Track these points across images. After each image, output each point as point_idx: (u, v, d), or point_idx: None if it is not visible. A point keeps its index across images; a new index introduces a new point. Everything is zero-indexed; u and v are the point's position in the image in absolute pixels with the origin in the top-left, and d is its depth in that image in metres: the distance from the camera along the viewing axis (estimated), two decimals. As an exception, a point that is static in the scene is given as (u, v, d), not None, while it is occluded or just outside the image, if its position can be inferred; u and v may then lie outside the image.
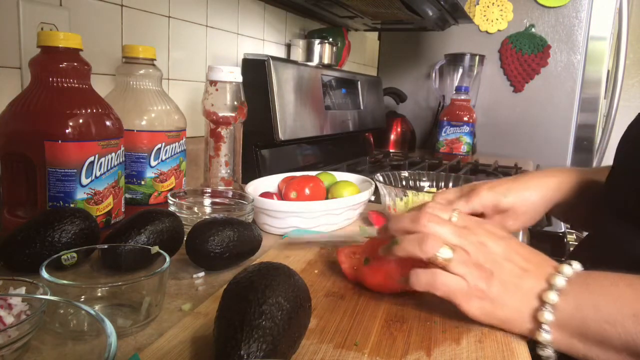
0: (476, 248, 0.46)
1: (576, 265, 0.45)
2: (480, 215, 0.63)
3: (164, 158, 0.76)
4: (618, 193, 0.54)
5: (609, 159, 0.69)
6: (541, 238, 1.07)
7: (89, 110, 0.61)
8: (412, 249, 0.47)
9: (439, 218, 0.48)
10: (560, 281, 0.43)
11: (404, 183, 0.91)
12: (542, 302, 0.43)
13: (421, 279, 0.47)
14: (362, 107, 1.58)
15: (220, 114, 0.85)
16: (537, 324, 0.43)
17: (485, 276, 0.45)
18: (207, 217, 0.64)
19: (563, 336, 0.42)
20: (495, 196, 0.62)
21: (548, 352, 0.43)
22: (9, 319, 0.36)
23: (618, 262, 0.44)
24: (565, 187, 0.64)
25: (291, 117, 1.15)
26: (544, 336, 0.43)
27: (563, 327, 0.42)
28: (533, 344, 0.45)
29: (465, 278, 0.45)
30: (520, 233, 0.83)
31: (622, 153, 0.56)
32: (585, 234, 0.68)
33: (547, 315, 0.43)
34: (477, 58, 1.88)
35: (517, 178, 0.65)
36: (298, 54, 1.42)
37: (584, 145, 1.85)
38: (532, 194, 0.63)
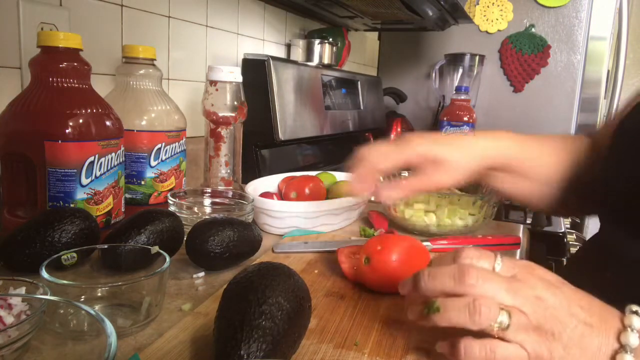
0: (534, 306, 0.38)
1: None
2: (414, 167, 0.59)
3: (164, 158, 0.76)
4: (617, 197, 0.54)
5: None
6: (541, 238, 1.07)
7: (89, 110, 0.61)
8: (462, 320, 0.38)
9: (486, 273, 0.39)
10: (633, 340, 0.37)
11: (404, 183, 0.91)
12: None
13: (475, 353, 0.38)
14: (362, 107, 1.58)
15: (220, 114, 0.85)
16: None
17: (546, 339, 0.38)
18: (207, 217, 0.64)
19: None
20: (427, 144, 0.59)
21: None
22: (9, 319, 0.36)
23: (617, 266, 0.43)
24: (502, 153, 0.61)
25: (291, 117, 1.15)
26: None
27: None
28: None
29: (524, 346, 0.38)
30: (521, 234, 0.83)
31: (621, 150, 0.54)
32: (589, 236, 0.67)
33: None
34: (477, 58, 1.87)
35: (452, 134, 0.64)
36: (298, 54, 1.42)
37: (584, 145, 1.85)
38: (464, 148, 0.60)
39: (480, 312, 0.37)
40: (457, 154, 0.59)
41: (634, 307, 0.39)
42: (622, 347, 0.38)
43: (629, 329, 0.38)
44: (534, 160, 0.64)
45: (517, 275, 0.40)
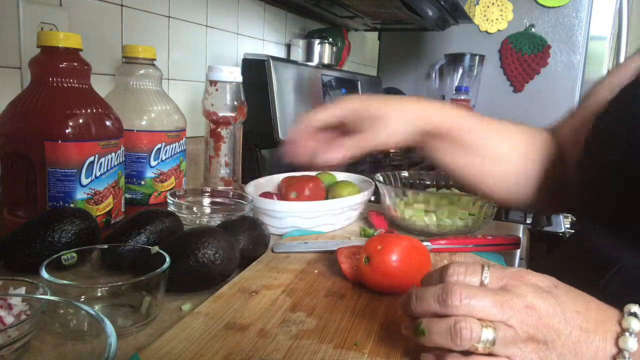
0: (524, 316, 0.37)
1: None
2: (344, 126, 0.58)
3: (164, 158, 0.76)
4: (595, 199, 0.52)
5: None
6: (540, 237, 1.06)
7: (89, 110, 0.61)
8: (445, 343, 0.37)
9: (470, 290, 0.38)
10: (632, 344, 0.36)
11: (404, 183, 0.91)
12: None
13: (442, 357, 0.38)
14: (362, 107, 1.58)
15: (220, 114, 0.85)
16: None
17: (539, 349, 0.37)
18: (207, 220, 0.64)
19: None
20: (360, 100, 0.58)
21: None
22: (9, 319, 0.36)
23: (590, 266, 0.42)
24: (444, 119, 0.59)
25: (291, 117, 1.15)
26: None
27: None
28: None
29: (510, 358, 0.37)
30: (521, 234, 0.83)
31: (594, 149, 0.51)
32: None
33: None
34: (477, 58, 1.87)
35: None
36: (298, 54, 1.42)
37: (584, 145, 1.85)
38: (403, 108, 0.58)
39: (461, 336, 0.36)
40: (394, 112, 0.57)
41: (633, 308, 0.38)
42: (621, 352, 0.37)
43: (627, 333, 0.37)
44: (480, 133, 0.61)
45: (506, 286, 0.39)
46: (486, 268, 0.40)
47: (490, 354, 0.37)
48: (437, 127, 0.59)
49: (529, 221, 1.09)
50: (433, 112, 0.59)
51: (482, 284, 0.39)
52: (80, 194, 0.61)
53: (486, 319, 0.37)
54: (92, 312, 0.34)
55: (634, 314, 0.38)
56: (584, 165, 0.53)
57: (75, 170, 0.60)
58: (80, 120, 0.60)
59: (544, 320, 0.37)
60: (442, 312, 0.38)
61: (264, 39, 1.35)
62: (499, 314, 0.37)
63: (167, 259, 0.48)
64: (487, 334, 0.36)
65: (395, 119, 0.57)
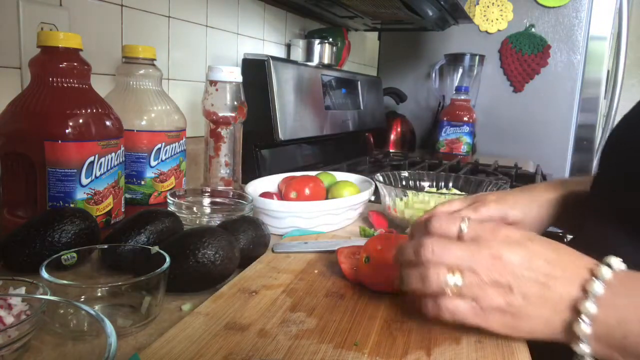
0: (489, 265, 0.42)
1: (616, 264, 0.40)
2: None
3: (164, 158, 0.76)
4: (602, 197, 0.54)
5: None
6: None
7: (89, 110, 0.61)
8: (419, 287, 0.44)
9: (440, 244, 0.43)
10: (598, 288, 0.39)
11: (404, 183, 0.91)
12: (578, 313, 0.39)
13: (428, 309, 0.44)
14: (362, 107, 1.58)
15: (220, 114, 0.85)
16: (573, 335, 0.40)
17: (503, 293, 0.41)
18: (208, 221, 0.64)
19: (601, 347, 0.39)
20: (502, 208, 0.61)
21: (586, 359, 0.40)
22: (9, 319, 0.36)
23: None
24: (564, 202, 0.63)
25: (291, 117, 1.15)
26: (582, 348, 0.39)
27: (601, 339, 0.39)
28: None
29: (478, 300, 0.42)
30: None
31: (606, 158, 0.55)
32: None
33: (584, 328, 0.39)
34: (477, 58, 1.87)
35: (523, 191, 0.65)
36: (298, 54, 1.42)
37: (584, 145, 1.85)
38: (539, 210, 0.62)
39: (429, 281, 0.43)
40: (533, 218, 0.62)
41: (611, 260, 0.41)
42: (586, 295, 0.39)
43: (594, 279, 0.39)
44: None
45: (479, 238, 0.44)
46: (467, 219, 0.45)
47: (459, 296, 0.42)
48: (558, 217, 0.63)
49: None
50: (555, 208, 0.63)
51: (459, 234, 0.45)
52: (80, 194, 0.61)
53: (454, 268, 0.42)
54: (92, 312, 0.34)
55: (608, 264, 0.40)
56: (599, 172, 0.56)
57: (75, 170, 0.60)
58: (80, 120, 0.60)
59: (508, 268, 0.41)
60: (417, 262, 0.44)
61: (264, 39, 1.36)
62: (465, 264, 0.42)
63: (167, 259, 0.48)
64: (453, 279, 0.42)
65: (529, 226, 0.62)
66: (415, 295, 0.45)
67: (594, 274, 0.40)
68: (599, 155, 0.57)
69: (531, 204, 0.63)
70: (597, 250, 0.44)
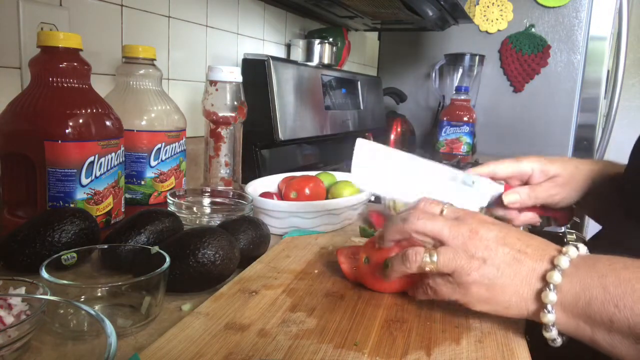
0: (466, 239, 0.45)
1: (582, 248, 0.44)
2: (527, 181, 0.65)
3: (164, 158, 0.76)
4: (631, 191, 0.55)
5: (609, 159, 0.69)
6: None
7: (89, 110, 0.61)
8: (402, 268, 0.47)
9: (426, 214, 0.48)
10: (564, 262, 0.42)
11: (404, 183, 0.91)
12: (546, 283, 0.42)
13: (417, 292, 0.50)
14: (362, 107, 1.58)
15: (220, 114, 0.85)
16: (541, 305, 0.42)
17: (477, 266, 0.44)
18: (208, 222, 0.64)
19: (568, 318, 0.42)
20: (541, 160, 0.65)
21: (552, 333, 0.43)
22: (9, 319, 0.36)
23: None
24: (599, 176, 0.64)
25: (291, 117, 1.15)
26: (548, 317, 0.42)
27: (568, 309, 0.41)
28: (540, 329, 0.44)
29: (455, 276, 0.45)
30: (521, 229, 0.83)
31: (636, 152, 0.56)
32: (589, 236, 0.68)
33: (551, 296, 0.42)
34: (477, 58, 1.87)
35: (557, 157, 0.68)
36: (298, 54, 1.42)
37: (584, 145, 1.85)
38: (576, 167, 0.65)
39: (409, 259, 0.46)
40: (570, 175, 0.64)
41: (579, 244, 0.44)
42: (554, 267, 0.43)
43: (562, 254, 0.43)
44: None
45: (459, 217, 0.48)
46: (447, 204, 0.50)
47: (439, 274, 0.46)
48: (587, 192, 0.66)
49: (529, 221, 1.09)
50: (586, 179, 0.65)
51: (441, 213, 0.49)
52: (80, 194, 0.61)
53: (437, 237, 0.46)
54: (92, 312, 0.34)
55: (575, 245, 0.44)
56: (630, 167, 0.58)
57: (75, 170, 0.60)
58: (80, 120, 0.60)
59: (483, 242, 0.45)
60: (404, 228, 0.48)
61: (264, 39, 1.35)
62: (445, 234, 0.46)
63: (167, 259, 0.48)
64: (430, 256, 0.45)
65: (567, 182, 0.64)
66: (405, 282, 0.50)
67: (561, 252, 0.44)
68: (632, 148, 0.60)
69: (568, 163, 0.65)
70: (620, 246, 0.46)
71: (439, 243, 0.47)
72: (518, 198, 0.63)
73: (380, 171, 0.59)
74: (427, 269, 0.46)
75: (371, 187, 0.61)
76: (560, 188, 0.64)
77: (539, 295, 0.43)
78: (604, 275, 0.41)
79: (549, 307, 0.42)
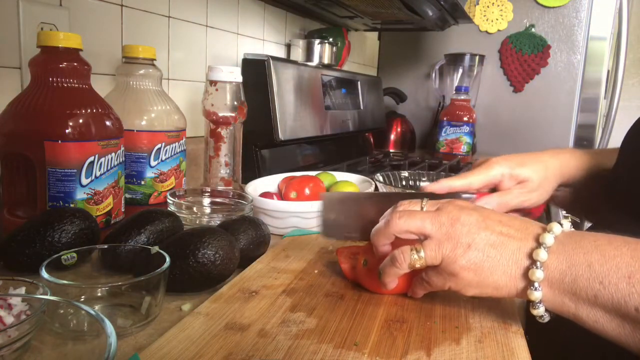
0: (448, 227, 0.46)
1: (566, 225, 0.45)
2: (497, 186, 0.65)
3: (163, 158, 0.76)
4: (621, 186, 0.55)
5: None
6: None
7: (89, 110, 0.61)
8: (393, 271, 0.48)
9: (406, 212, 0.49)
10: (549, 239, 0.43)
11: (404, 183, 0.91)
12: (533, 261, 0.43)
13: (415, 289, 0.51)
14: (362, 107, 1.58)
15: (220, 114, 0.85)
16: (528, 282, 0.43)
17: (463, 251, 0.45)
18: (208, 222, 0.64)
19: (554, 294, 0.42)
20: (510, 165, 0.64)
21: (540, 310, 0.43)
22: (9, 319, 0.36)
23: None
24: (572, 167, 0.65)
25: (291, 117, 1.15)
26: (535, 294, 0.43)
27: (555, 285, 0.42)
28: (540, 329, 0.45)
29: (443, 266, 0.46)
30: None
31: (628, 146, 0.56)
32: (587, 225, 0.68)
33: (537, 274, 0.42)
34: (477, 58, 1.87)
35: (531, 153, 0.68)
36: (298, 54, 1.42)
37: (584, 145, 1.85)
38: (546, 168, 0.65)
39: (397, 260, 0.47)
40: (540, 177, 0.65)
41: (562, 221, 0.45)
42: (539, 245, 0.43)
43: (547, 232, 0.43)
44: (584, 171, 0.67)
45: (439, 207, 0.49)
46: (425, 199, 0.51)
47: (430, 267, 0.47)
48: (564, 182, 0.67)
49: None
50: (561, 169, 0.67)
51: (421, 209, 0.50)
52: (80, 194, 0.61)
53: (421, 231, 0.47)
54: (92, 312, 0.34)
55: (559, 222, 0.44)
56: (619, 162, 0.58)
57: (75, 170, 0.60)
58: (80, 120, 0.60)
59: (465, 228, 0.46)
60: (388, 231, 0.49)
61: (264, 39, 1.35)
62: (427, 227, 0.47)
63: (167, 259, 0.48)
64: (417, 252, 0.47)
65: (538, 185, 0.65)
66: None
67: (546, 230, 0.44)
68: (621, 144, 0.60)
69: (539, 163, 0.65)
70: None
71: (424, 237, 0.47)
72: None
73: (347, 218, 0.60)
74: (418, 265, 0.47)
75: (339, 236, 0.62)
76: (530, 194, 0.65)
77: (526, 273, 0.43)
78: (589, 252, 0.41)
79: (536, 284, 0.43)
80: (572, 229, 0.45)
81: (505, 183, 0.65)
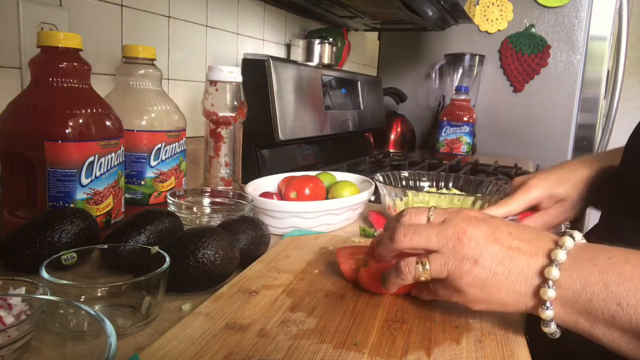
0: (455, 243, 0.45)
1: (578, 237, 0.43)
2: (536, 207, 0.66)
3: (163, 158, 0.76)
4: (627, 186, 0.55)
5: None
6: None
7: (89, 110, 0.61)
8: (397, 280, 0.48)
9: (411, 227, 0.47)
10: (561, 256, 0.41)
11: (404, 183, 0.91)
12: (544, 279, 0.41)
13: (421, 292, 0.51)
14: (362, 107, 1.58)
15: (220, 114, 0.85)
16: (539, 301, 0.42)
17: (469, 267, 0.43)
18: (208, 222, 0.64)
19: (567, 313, 0.41)
20: (548, 185, 0.65)
21: (552, 328, 0.42)
22: (9, 319, 0.36)
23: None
24: (601, 178, 0.66)
25: (291, 117, 1.15)
26: (547, 313, 0.41)
27: (568, 305, 0.41)
28: (539, 329, 0.44)
29: (450, 280, 0.45)
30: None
31: (633, 147, 0.56)
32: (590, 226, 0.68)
33: (549, 293, 0.41)
34: (477, 58, 1.87)
35: (564, 167, 0.68)
36: (298, 54, 1.42)
37: (584, 145, 1.85)
38: (582, 182, 0.65)
39: (402, 272, 0.46)
40: (579, 194, 0.66)
41: (574, 233, 0.43)
42: (551, 262, 0.41)
43: (558, 248, 0.42)
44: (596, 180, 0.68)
45: (445, 220, 0.47)
46: (432, 209, 0.49)
47: (437, 280, 0.46)
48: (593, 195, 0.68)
49: (529, 221, 1.09)
50: (592, 185, 0.67)
51: (428, 221, 0.48)
52: (80, 194, 0.61)
53: (426, 248, 0.46)
54: (92, 312, 0.34)
55: (571, 235, 0.42)
56: (623, 165, 0.58)
57: (75, 170, 0.60)
58: (80, 120, 0.60)
59: (473, 242, 0.44)
60: (393, 247, 0.48)
61: (264, 39, 1.36)
62: (433, 243, 0.45)
63: (167, 259, 0.48)
64: (422, 265, 0.45)
65: (577, 202, 0.66)
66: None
67: (557, 244, 0.42)
68: (625, 146, 0.60)
69: (576, 180, 0.66)
70: (619, 240, 0.45)
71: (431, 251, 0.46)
72: None
73: None
74: (422, 278, 0.46)
75: None
76: (570, 212, 0.66)
77: (537, 292, 0.42)
78: (604, 270, 0.40)
79: (548, 303, 0.41)
80: (584, 241, 0.43)
81: (545, 203, 0.66)
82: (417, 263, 0.46)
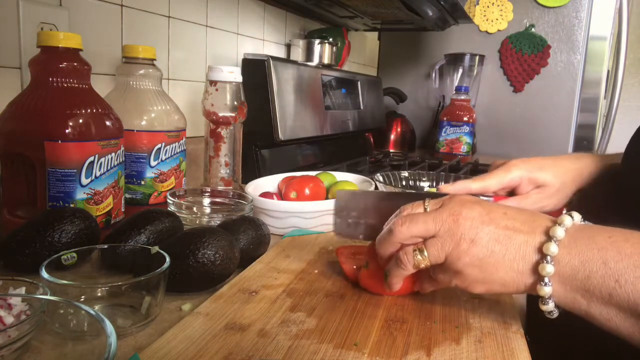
0: (450, 225, 0.45)
1: (577, 217, 0.43)
2: (515, 190, 0.65)
3: (163, 158, 0.76)
4: (628, 193, 0.55)
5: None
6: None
7: (89, 110, 0.61)
8: (399, 272, 0.48)
9: (408, 217, 0.47)
10: (560, 232, 0.41)
11: (404, 183, 0.91)
12: (542, 255, 0.41)
13: (422, 285, 0.51)
14: (362, 107, 1.58)
15: (220, 114, 0.85)
16: (538, 277, 0.42)
17: (466, 247, 0.44)
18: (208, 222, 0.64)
19: (565, 290, 0.41)
20: (529, 168, 0.63)
21: (550, 305, 0.42)
22: (9, 319, 0.36)
23: None
24: (587, 173, 0.64)
25: (291, 117, 1.15)
26: (545, 289, 0.41)
27: (566, 281, 0.41)
28: (539, 329, 0.44)
29: (449, 264, 0.45)
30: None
31: (631, 154, 0.56)
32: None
33: (548, 268, 0.41)
34: (477, 58, 1.87)
35: (551, 157, 0.67)
36: (298, 54, 1.42)
37: (584, 145, 1.85)
38: (565, 173, 0.64)
39: (402, 261, 0.47)
40: (559, 182, 0.64)
41: (573, 213, 0.43)
42: (549, 239, 0.41)
43: (557, 225, 0.42)
44: (602, 177, 0.67)
45: (441, 205, 0.47)
46: (427, 200, 0.49)
47: (436, 266, 0.46)
48: (580, 188, 0.66)
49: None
50: (580, 176, 0.66)
51: (425, 210, 0.48)
52: (80, 194, 0.61)
53: (425, 234, 0.46)
54: (92, 312, 0.34)
55: (570, 215, 0.42)
56: (624, 168, 0.58)
57: (75, 170, 0.60)
58: (80, 120, 0.60)
59: (468, 222, 0.44)
60: (393, 239, 0.47)
61: (264, 39, 1.36)
62: (430, 227, 0.46)
63: (167, 259, 0.48)
64: (420, 253, 0.46)
65: (557, 190, 0.64)
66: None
67: (556, 223, 0.42)
68: (625, 149, 0.59)
69: (558, 168, 0.64)
70: None
71: (430, 237, 0.46)
72: None
73: (359, 217, 0.58)
74: (422, 265, 0.46)
75: (352, 234, 0.60)
76: (549, 199, 0.64)
77: (535, 268, 0.42)
78: (604, 248, 0.40)
79: (546, 279, 0.41)
80: (584, 222, 0.43)
81: (524, 187, 0.64)
82: (414, 251, 0.46)
